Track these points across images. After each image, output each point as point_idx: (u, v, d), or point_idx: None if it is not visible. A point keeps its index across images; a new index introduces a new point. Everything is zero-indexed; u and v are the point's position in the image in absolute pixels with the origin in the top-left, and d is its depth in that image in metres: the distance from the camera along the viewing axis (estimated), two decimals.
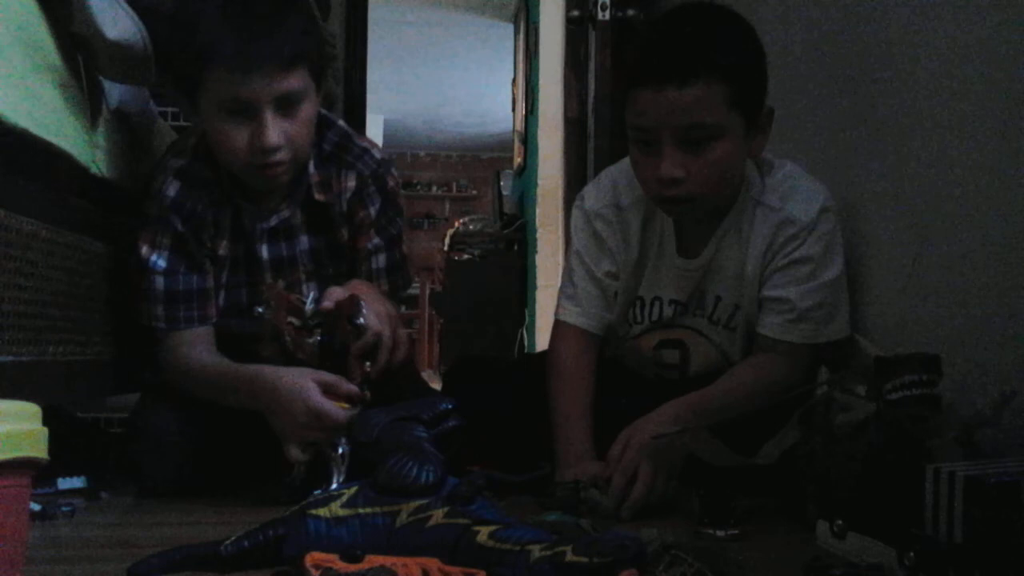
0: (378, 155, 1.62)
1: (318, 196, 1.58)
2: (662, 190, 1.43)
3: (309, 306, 1.40)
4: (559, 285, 1.68)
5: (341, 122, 1.64)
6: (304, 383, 1.36)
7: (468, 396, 1.34)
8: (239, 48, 1.38)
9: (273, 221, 1.57)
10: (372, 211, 1.61)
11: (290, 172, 1.51)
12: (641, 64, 1.41)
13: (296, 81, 1.44)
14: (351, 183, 1.59)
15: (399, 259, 1.66)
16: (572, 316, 1.59)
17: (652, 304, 1.58)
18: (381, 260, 1.63)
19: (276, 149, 1.44)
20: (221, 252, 1.56)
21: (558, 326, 1.61)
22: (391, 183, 1.64)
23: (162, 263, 1.51)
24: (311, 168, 1.58)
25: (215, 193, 1.54)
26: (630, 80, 1.42)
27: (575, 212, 1.65)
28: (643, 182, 1.47)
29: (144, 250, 1.51)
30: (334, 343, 1.39)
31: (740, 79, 1.38)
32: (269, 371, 1.40)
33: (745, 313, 1.53)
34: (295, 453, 1.37)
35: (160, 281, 1.51)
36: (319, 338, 1.39)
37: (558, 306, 1.63)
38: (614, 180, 1.60)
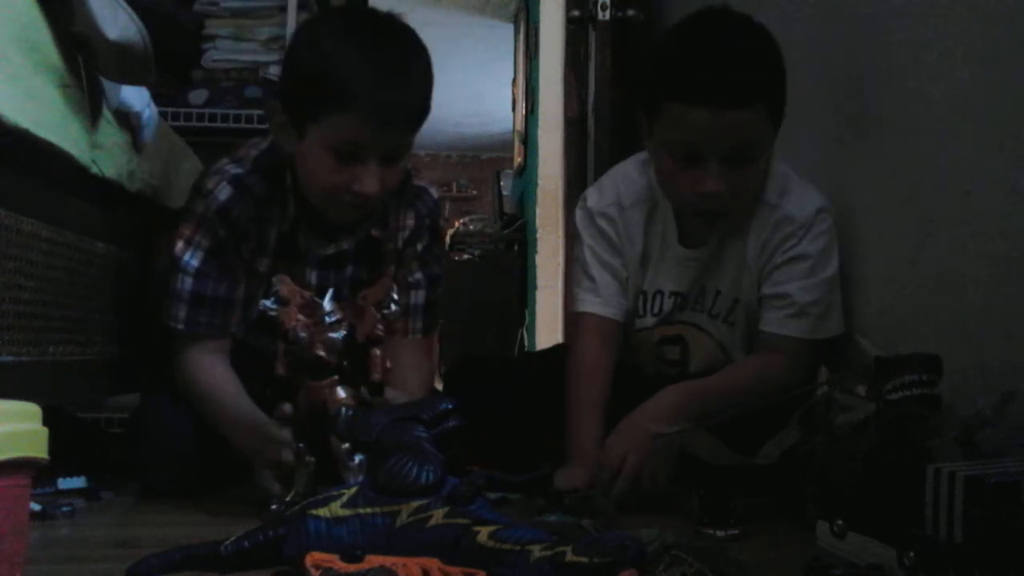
0: (434, 194, 1.66)
1: (373, 232, 1.58)
2: (702, 203, 1.47)
3: (328, 303, 1.32)
4: (572, 282, 1.67)
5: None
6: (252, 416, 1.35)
7: (468, 396, 1.34)
8: (377, 101, 1.38)
9: (331, 250, 1.56)
10: (419, 246, 1.62)
11: (373, 210, 1.52)
12: (697, 83, 1.41)
13: (411, 137, 1.46)
14: (410, 221, 1.61)
15: (435, 299, 1.67)
16: (592, 305, 1.59)
17: (654, 297, 1.60)
18: (420, 296, 1.64)
19: (368, 198, 1.44)
20: (261, 269, 1.53)
21: (578, 319, 1.60)
22: (442, 223, 1.68)
23: (195, 263, 1.49)
24: None
25: (265, 210, 1.51)
26: (677, 95, 1.42)
27: (578, 212, 1.66)
28: (678, 192, 1.50)
29: (179, 246, 1.49)
30: (357, 336, 1.32)
31: (779, 96, 1.44)
32: (240, 417, 1.40)
33: (744, 307, 1.54)
34: (266, 480, 1.31)
35: (189, 282, 1.49)
36: (344, 332, 1.31)
37: (575, 300, 1.63)
38: (615, 182, 1.62)
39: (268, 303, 1.29)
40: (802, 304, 1.49)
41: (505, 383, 1.68)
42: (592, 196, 1.64)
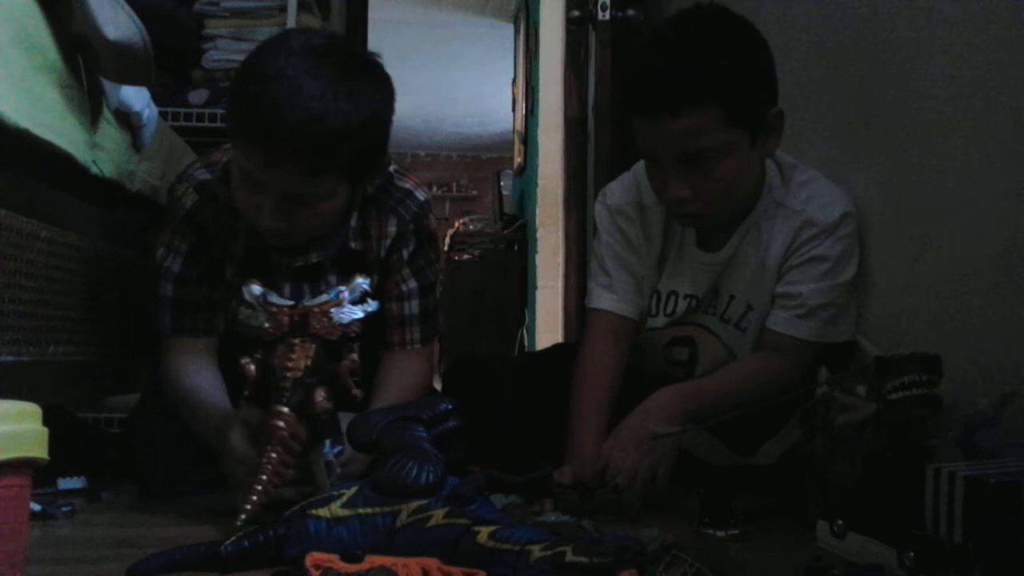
0: (421, 196, 1.55)
1: (354, 245, 1.50)
2: (672, 208, 1.49)
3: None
4: (588, 276, 1.68)
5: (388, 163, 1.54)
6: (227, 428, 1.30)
7: (468, 396, 1.34)
8: (269, 137, 1.27)
9: (300, 262, 1.49)
10: (405, 252, 1.54)
11: (302, 240, 1.44)
12: (635, 94, 1.44)
13: (319, 185, 1.34)
14: (392, 228, 1.52)
15: (433, 306, 1.59)
16: (606, 302, 1.59)
17: (668, 298, 1.59)
18: (414, 306, 1.56)
19: (276, 231, 1.37)
20: (228, 276, 1.50)
21: (591, 315, 1.61)
22: (432, 225, 1.59)
23: (175, 268, 1.49)
24: (352, 217, 1.50)
25: (230, 218, 1.47)
26: (628, 106, 1.45)
27: (598, 208, 1.66)
28: (657, 196, 1.51)
29: (160, 252, 1.49)
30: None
31: (737, 97, 1.38)
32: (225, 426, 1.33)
33: (758, 315, 1.53)
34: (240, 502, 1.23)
35: (170, 288, 1.49)
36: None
37: (589, 295, 1.63)
38: (638, 179, 1.61)
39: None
40: (812, 306, 1.47)
41: (505, 383, 1.68)
42: (613, 193, 1.64)
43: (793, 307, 1.49)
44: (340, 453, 1.28)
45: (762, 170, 1.52)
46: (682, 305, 1.58)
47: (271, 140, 1.28)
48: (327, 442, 1.26)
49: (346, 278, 1.50)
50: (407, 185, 1.55)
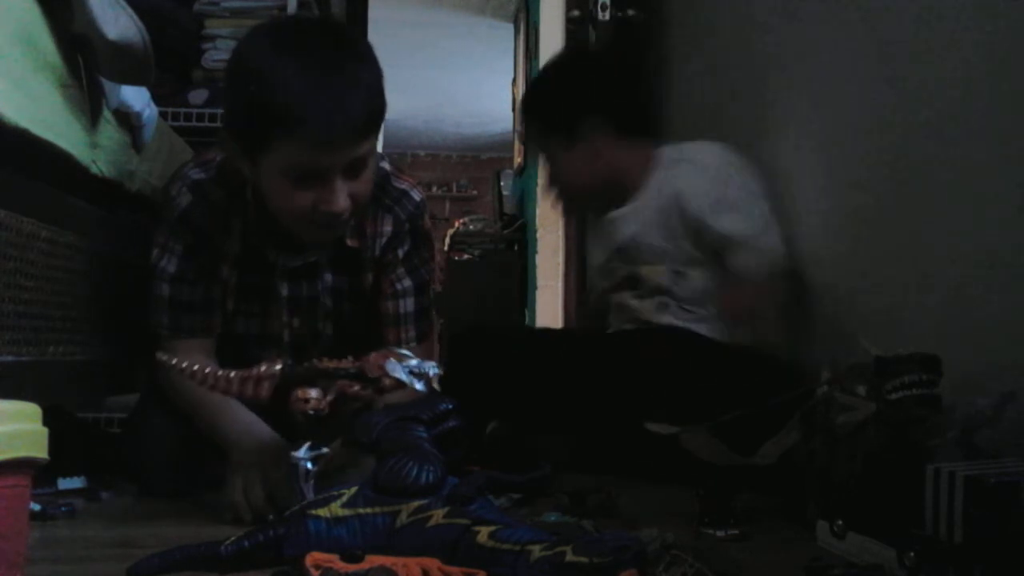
0: (417, 196, 1.57)
1: (350, 242, 1.51)
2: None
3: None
4: None
5: (384, 162, 1.56)
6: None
7: (472, 367, 1.36)
8: (323, 120, 1.29)
9: (298, 262, 1.50)
10: (400, 252, 1.56)
11: (355, 216, 1.45)
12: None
13: (368, 145, 1.37)
14: (387, 227, 1.54)
15: (427, 305, 1.62)
16: None
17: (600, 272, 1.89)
18: (409, 304, 1.59)
19: (341, 215, 1.37)
20: (224, 277, 1.51)
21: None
22: (426, 224, 1.60)
23: (171, 269, 1.48)
24: None
25: (225, 218, 1.48)
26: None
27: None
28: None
29: (155, 253, 1.49)
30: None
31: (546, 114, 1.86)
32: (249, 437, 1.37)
33: (685, 268, 1.79)
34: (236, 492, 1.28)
35: (166, 288, 1.49)
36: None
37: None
38: None
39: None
40: (747, 237, 1.76)
41: (510, 354, 1.80)
42: None
43: (735, 247, 1.72)
44: (321, 456, 1.23)
45: (635, 164, 1.85)
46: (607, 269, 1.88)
47: (333, 126, 1.30)
48: (305, 446, 1.22)
49: (340, 276, 1.53)
50: (403, 185, 1.56)
